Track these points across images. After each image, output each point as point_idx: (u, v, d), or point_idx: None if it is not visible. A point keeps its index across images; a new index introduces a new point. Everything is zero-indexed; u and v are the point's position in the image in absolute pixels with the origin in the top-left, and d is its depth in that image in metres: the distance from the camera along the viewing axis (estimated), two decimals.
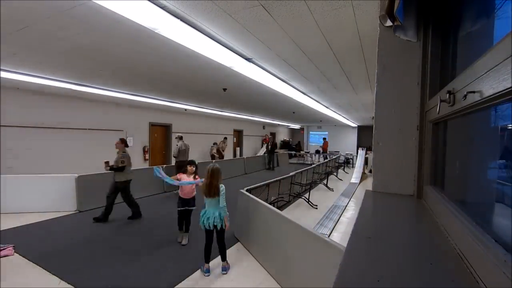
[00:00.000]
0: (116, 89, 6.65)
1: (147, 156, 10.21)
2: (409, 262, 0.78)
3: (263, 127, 19.53)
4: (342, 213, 6.09)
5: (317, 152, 18.43)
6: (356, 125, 20.33)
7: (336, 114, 12.55)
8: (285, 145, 22.02)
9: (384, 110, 1.42)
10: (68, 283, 2.96)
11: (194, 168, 4.02)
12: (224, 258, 3.31)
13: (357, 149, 17.85)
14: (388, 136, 1.41)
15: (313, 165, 10.07)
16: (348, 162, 16.38)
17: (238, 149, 16.73)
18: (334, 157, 14.66)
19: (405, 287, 0.64)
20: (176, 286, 2.96)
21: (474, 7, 1.02)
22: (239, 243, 4.11)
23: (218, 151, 12.87)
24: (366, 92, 6.95)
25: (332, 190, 8.71)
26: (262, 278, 3.14)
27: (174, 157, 7.50)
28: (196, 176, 3.99)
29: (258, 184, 5.26)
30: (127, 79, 5.52)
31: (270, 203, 4.71)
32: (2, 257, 3.42)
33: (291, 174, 7.12)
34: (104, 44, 3.45)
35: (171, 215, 5.53)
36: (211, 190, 3.17)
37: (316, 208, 6.39)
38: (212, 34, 3.09)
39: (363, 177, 11.38)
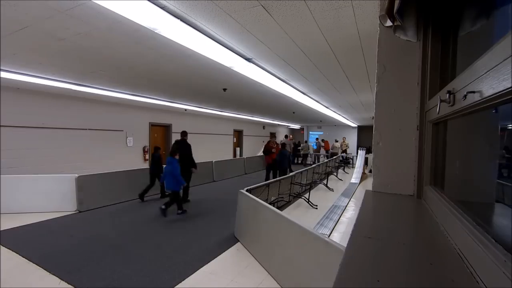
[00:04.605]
0: (116, 89, 6.65)
1: (147, 156, 10.21)
2: (409, 262, 0.78)
3: (263, 127, 19.52)
4: (342, 213, 6.09)
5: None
6: (356, 125, 20.32)
7: (336, 114, 12.55)
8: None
9: (384, 110, 1.42)
10: (68, 283, 2.96)
11: None
12: None
13: (357, 149, 17.84)
14: (388, 136, 1.41)
15: (313, 165, 10.07)
16: (348, 162, 16.37)
17: (238, 149, 16.73)
18: (334, 157, 14.65)
19: (405, 287, 0.64)
20: (176, 286, 2.96)
21: (474, 7, 1.02)
22: (239, 243, 4.11)
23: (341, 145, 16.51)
24: (366, 92, 6.95)
25: (332, 190, 8.71)
26: (262, 278, 3.14)
27: None
28: None
29: (258, 184, 5.26)
30: (127, 79, 5.52)
31: (270, 203, 4.71)
32: None
33: (291, 174, 7.13)
34: (104, 44, 3.45)
35: (170, 215, 5.53)
36: None
37: (316, 208, 6.39)
38: (212, 34, 3.09)
39: (363, 177, 11.39)
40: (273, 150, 8.76)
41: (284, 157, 8.52)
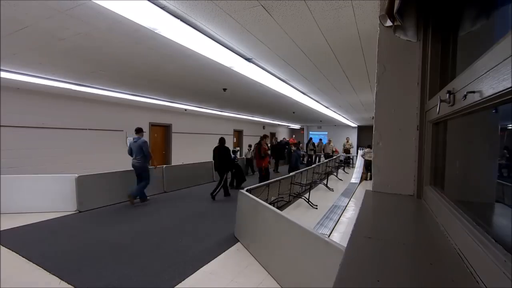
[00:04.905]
0: (116, 89, 6.65)
1: None
2: (409, 262, 0.78)
3: (263, 127, 19.51)
4: (342, 213, 6.09)
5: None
6: (356, 125, 20.31)
7: (336, 114, 12.55)
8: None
9: (384, 110, 1.42)
10: (68, 283, 2.96)
11: None
12: None
13: (357, 149, 17.83)
14: (388, 136, 1.41)
15: (313, 165, 10.08)
16: (348, 163, 16.38)
17: (238, 149, 16.72)
18: (334, 157, 14.66)
19: (405, 287, 0.64)
20: (176, 286, 2.96)
21: (474, 7, 1.02)
22: (239, 243, 4.11)
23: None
24: (366, 92, 6.95)
25: (332, 190, 8.71)
26: (262, 278, 3.14)
27: None
28: None
29: (258, 184, 5.26)
30: (127, 79, 5.52)
31: (270, 203, 4.71)
32: None
33: (291, 174, 7.12)
34: (104, 44, 3.45)
35: (171, 215, 5.53)
36: None
37: (316, 208, 6.39)
38: (212, 34, 3.09)
39: (363, 177, 11.38)
40: (268, 152, 8.38)
41: (297, 157, 9.01)
